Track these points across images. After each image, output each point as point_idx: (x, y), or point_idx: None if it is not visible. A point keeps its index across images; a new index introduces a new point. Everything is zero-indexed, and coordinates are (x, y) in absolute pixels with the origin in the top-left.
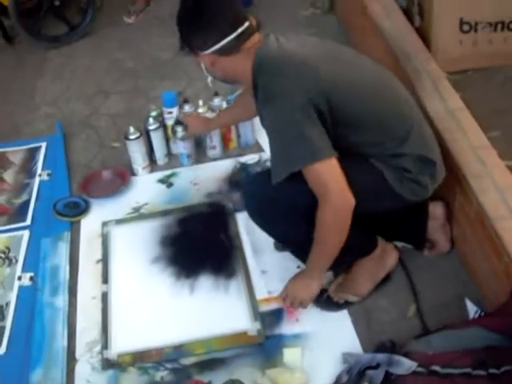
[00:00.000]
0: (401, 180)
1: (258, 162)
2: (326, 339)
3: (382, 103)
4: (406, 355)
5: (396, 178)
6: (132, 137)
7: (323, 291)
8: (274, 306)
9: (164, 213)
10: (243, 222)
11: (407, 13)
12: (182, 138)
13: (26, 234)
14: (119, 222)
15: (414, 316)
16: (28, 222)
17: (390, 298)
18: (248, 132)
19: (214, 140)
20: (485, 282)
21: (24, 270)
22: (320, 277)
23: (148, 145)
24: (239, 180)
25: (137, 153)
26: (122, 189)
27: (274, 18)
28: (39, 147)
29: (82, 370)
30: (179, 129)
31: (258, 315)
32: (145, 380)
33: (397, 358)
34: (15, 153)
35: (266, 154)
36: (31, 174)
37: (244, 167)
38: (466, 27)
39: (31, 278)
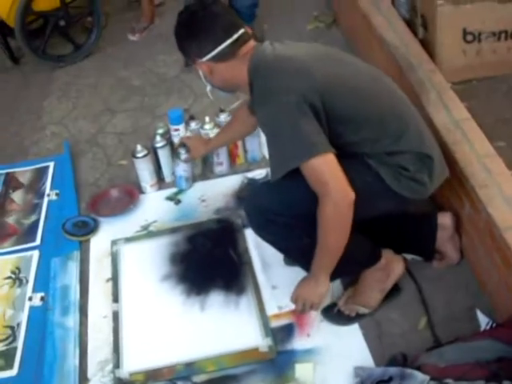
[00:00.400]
0: (398, 178)
1: (266, 177)
2: (338, 353)
3: (377, 100)
4: (418, 368)
5: (393, 176)
6: (139, 155)
7: (333, 305)
8: (284, 321)
9: (173, 230)
10: (252, 238)
11: (410, 24)
12: (186, 161)
13: (35, 254)
14: (128, 240)
15: (425, 328)
16: (37, 242)
17: (400, 311)
18: (255, 147)
19: (221, 156)
20: (495, 293)
21: (34, 290)
22: (326, 279)
23: (155, 162)
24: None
25: (144, 171)
26: (131, 207)
27: (278, 32)
28: (47, 167)
29: None
30: (182, 151)
31: (269, 331)
32: None
33: (409, 371)
34: (23, 173)
35: None
36: (40, 194)
37: (251, 182)
38: (469, 37)
39: (42, 298)
